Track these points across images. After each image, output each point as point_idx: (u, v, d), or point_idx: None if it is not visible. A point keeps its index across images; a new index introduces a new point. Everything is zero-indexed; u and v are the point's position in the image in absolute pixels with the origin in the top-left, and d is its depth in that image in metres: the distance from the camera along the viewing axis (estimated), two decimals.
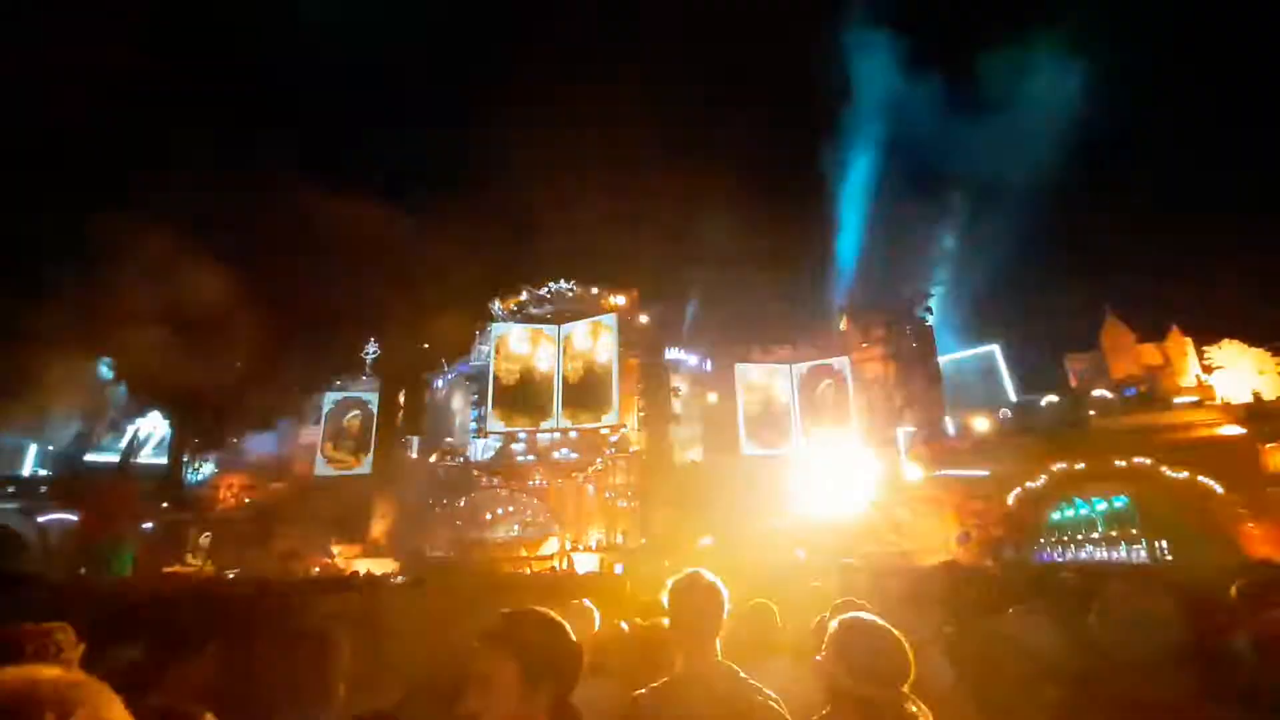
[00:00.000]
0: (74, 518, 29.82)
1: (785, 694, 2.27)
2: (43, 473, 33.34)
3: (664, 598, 2.53)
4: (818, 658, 2.34)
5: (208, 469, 35.17)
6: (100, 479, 31.24)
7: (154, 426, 37.07)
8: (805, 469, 31.15)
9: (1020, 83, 51.19)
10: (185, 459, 34.27)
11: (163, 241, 36.39)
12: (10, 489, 30.77)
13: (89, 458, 35.32)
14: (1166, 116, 49.26)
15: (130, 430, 36.60)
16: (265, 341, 38.37)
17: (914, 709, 2.05)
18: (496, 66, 70.55)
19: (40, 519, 29.66)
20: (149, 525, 30.42)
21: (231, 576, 19.63)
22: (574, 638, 1.90)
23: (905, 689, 2.08)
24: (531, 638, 1.82)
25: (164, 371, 35.07)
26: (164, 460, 35.22)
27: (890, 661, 2.10)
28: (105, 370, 37.84)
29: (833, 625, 2.30)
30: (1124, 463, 25.75)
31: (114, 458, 34.47)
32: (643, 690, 2.31)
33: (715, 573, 2.52)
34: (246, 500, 31.62)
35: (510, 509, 31.40)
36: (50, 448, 35.69)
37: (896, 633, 2.18)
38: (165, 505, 31.42)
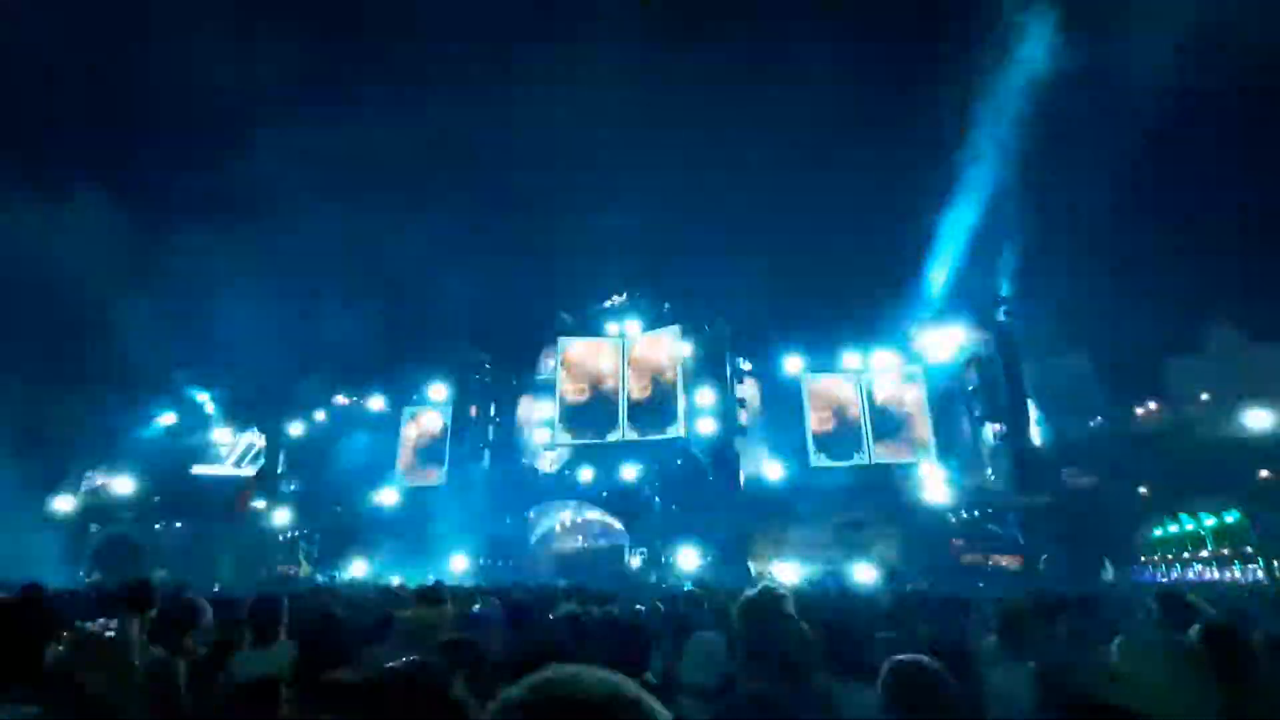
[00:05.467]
0: (180, 525, 32.46)
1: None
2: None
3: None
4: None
5: (300, 482, 37.40)
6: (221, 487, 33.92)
7: (251, 440, 39.78)
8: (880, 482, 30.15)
9: (1129, 55, 45.13)
10: (280, 471, 36.52)
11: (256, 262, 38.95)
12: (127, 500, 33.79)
13: (195, 470, 38.23)
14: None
15: (234, 444, 39.46)
16: (350, 358, 40.51)
17: None
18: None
19: (155, 526, 32.37)
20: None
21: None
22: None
23: None
24: None
25: (256, 392, 37.70)
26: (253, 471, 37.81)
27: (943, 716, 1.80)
28: (199, 389, 40.76)
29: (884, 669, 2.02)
30: (1236, 474, 23.71)
31: (217, 469, 37.19)
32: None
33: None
34: (338, 509, 33.48)
35: (579, 520, 31.77)
36: (158, 463, 38.79)
37: (951, 681, 1.90)
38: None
